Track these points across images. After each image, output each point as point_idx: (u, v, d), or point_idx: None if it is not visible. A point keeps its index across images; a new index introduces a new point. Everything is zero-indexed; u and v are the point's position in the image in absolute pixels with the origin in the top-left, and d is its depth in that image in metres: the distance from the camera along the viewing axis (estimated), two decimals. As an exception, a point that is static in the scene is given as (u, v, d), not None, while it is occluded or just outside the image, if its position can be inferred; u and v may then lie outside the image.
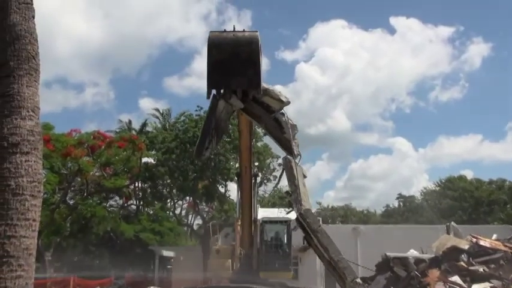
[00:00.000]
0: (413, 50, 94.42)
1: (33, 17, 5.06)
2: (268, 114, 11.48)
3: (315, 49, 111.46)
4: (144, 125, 40.52)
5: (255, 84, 10.42)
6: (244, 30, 10.69)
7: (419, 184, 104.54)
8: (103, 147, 32.06)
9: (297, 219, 11.29)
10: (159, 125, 40.23)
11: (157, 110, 43.09)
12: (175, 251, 34.80)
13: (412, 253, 20.00)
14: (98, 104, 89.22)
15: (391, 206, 61.82)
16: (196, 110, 31.73)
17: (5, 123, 4.66)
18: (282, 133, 11.51)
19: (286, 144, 11.62)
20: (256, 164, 17.75)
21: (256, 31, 10.61)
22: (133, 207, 40.61)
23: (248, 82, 10.48)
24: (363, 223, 42.57)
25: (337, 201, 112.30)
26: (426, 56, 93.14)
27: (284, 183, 41.47)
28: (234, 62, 10.27)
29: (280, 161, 34.67)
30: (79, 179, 33.20)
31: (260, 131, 33.62)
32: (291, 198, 12.37)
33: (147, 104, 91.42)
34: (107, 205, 37.73)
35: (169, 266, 35.35)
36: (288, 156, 11.62)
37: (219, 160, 29.50)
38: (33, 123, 4.79)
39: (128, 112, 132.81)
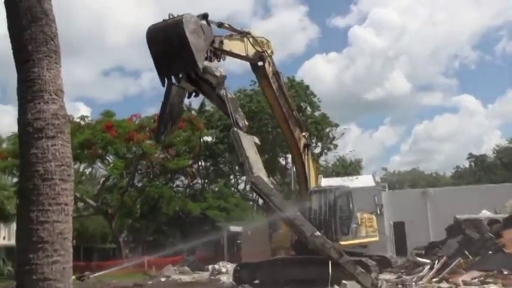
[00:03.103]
0: (474, 0, 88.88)
1: (50, -2, 4.92)
2: (213, 90, 11.70)
3: (367, 11, 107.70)
4: (202, 104, 40.91)
5: (191, 64, 10.71)
6: (176, 16, 10.95)
7: (491, 142, 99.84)
8: (163, 129, 32.63)
9: (251, 188, 11.27)
10: (217, 104, 40.36)
11: (213, 88, 43.28)
12: (243, 226, 35.17)
13: (485, 214, 19.03)
14: (156, 89, 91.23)
15: (461, 167, 59.45)
16: (251, 85, 31.51)
17: (29, 109, 4.59)
18: (227, 108, 11.74)
19: (231, 118, 11.81)
20: (304, 134, 17.32)
21: (184, 14, 10.90)
22: (199, 185, 41.38)
23: (184, 64, 10.82)
24: (432, 186, 40.96)
25: (403, 165, 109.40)
26: (488, 6, 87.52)
27: (345, 151, 40.72)
28: (168, 48, 10.78)
29: (339, 129, 34.03)
30: (144, 162, 34.09)
31: (317, 100, 33.07)
32: (243, 169, 12.49)
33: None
34: (174, 185, 38.64)
35: (238, 241, 35.82)
36: (235, 128, 11.60)
37: (277, 133, 29.20)
38: (57, 106, 4.68)
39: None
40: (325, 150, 33.51)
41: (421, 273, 14.85)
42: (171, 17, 10.93)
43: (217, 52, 12.48)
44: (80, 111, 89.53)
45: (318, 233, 10.68)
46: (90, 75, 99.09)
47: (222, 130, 31.38)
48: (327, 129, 32.62)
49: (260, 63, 15.09)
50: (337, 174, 37.53)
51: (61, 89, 4.79)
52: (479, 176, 51.13)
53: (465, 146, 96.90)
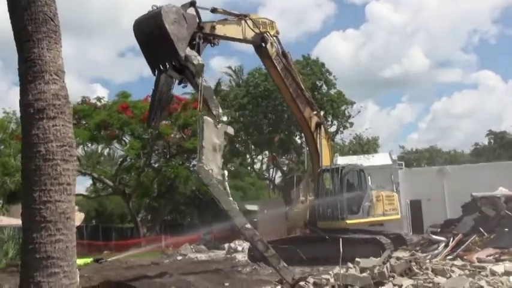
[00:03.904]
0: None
1: (48, -22, 4.87)
2: (194, 78, 11.87)
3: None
4: (218, 84, 40.69)
5: (173, 54, 10.96)
6: (158, 8, 11.15)
7: (511, 118, 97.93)
8: (179, 109, 32.69)
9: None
10: (233, 83, 40.24)
11: (229, 67, 43.11)
12: (259, 204, 35.34)
13: (501, 191, 18.68)
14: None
15: (480, 144, 58.50)
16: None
17: (30, 89, 4.60)
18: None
19: (202, 106, 11.97)
20: (316, 112, 17.30)
21: (163, 5, 11.12)
22: (215, 165, 41.44)
23: (167, 54, 11.09)
24: (450, 164, 40.43)
25: (421, 143, 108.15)
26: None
27: (362, 129, 40.43)
28: (151, 40, 11.13)
29: (355, 107, 33.65)
30: (161, 142, 34.25)
31: (332, 77, 32.65)
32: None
33: (218, 63, 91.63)
34: (190, 165, 38.80)
35: (255, 220, 36.04)
36: (204, 116, 11.73)
37: (292, 112, 29.03)
38: (58, 86, 4.69)
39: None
40: (341, 129, 33.19)
41: (436, 251, 14.76)
42: (154, 8, 11.19)
43: (208, 38, 12.59)
44: (97, 92, 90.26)
45: (248, 225, 11.04)
46: (106, 56, 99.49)
47: (237, 109, 31.31)
48: (343, 107, 32.26)
49: (263, 45, 15.05)
50: (354, 153, 37.26)
51: (62, 69, 4.79)
52: (499, 153, 50.23)
53: (484, 123, 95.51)
